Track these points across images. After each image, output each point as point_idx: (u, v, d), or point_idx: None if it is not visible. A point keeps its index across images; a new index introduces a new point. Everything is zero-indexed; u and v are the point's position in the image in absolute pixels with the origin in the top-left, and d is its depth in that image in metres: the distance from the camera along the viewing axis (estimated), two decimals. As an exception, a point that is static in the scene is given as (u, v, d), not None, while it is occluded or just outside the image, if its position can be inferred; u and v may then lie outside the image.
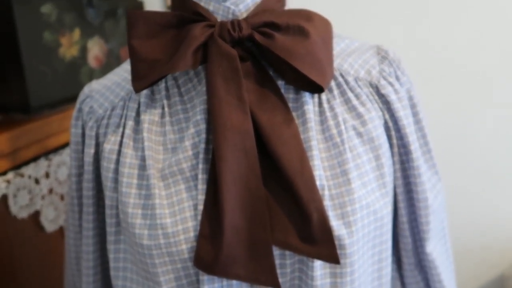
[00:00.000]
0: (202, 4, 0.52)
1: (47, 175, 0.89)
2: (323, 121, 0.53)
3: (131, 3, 1.30)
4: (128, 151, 0.54)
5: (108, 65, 1.18)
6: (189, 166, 0.51)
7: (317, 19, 0.53)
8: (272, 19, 0.51)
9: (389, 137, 0.57)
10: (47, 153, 0.92)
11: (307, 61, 0.50)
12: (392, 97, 0.56)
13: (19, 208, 0.82)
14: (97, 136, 0.58)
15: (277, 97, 0.52)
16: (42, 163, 0.88)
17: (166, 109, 0.54)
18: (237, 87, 0.49)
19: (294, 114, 0.53)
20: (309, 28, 0.51)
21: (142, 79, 0.51)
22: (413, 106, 0.60)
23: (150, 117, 0.54)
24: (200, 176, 0.50)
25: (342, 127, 0.53)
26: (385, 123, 0.57)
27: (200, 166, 0.50)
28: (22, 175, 0.83)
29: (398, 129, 0.57)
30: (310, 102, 0.53)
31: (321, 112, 0.54)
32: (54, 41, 0.98)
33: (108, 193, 0.55)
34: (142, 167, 0.53)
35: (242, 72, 0.51)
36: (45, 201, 0.88)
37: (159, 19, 0.51)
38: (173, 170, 0.51)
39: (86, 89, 0.61)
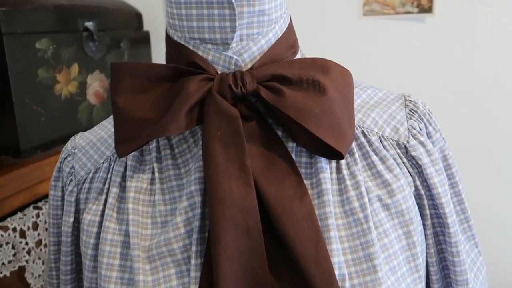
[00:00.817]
0: (200, 53, 0.44)
1: (35, 226, 0.81)
2: (342, 191, 0.45)
3: (136, 33, 1.24)
4: (111, 225, 0.46)
5: (110, 100, 1.12)
6: (181, 246, 0.43)
7: (334, 70, 0.45)
8: (281, 72, 0.43)
9: (420, 206, 0.48)
10: (36, 201, 0.84)
11: (323, 122, 0.42)
12: (425, 160, 0.47)
13: (1, 266, 0.74)
14: (77, 202, 0.50)
15: (287, 163, 0.43)
16: (30, 212, 0.80)
17: (156, 174, 0.46)
18: (239, 153, 0.41)
19: (307, 182, 0.45)
20: (326, 82, 0.43)
21: (127, 143, 0.43)
22: (447, 168, 0.51)
23: (137, 184, 0.46)
24: (193, 261, 0.42)
25: (366, 199, 0.44)
26: (416, 190, 0.48)
27: (194, 248, 0.42)
28: (6, 228, 0.75)
29: (431, 197, 0.48)
30: (326, 168, 0.45)
31: (340, 180, 0.45)
32: (50, 78, 0.92)
33: (86, 273, 0.47)
34: (126, 244, 0.45)
35: (246, 134, 0.42)
36: (32, 256, 0.80)
37: (148, 72, 0.43)
38: (162, 250, 0.43)
39: (69, 145, 0.53)
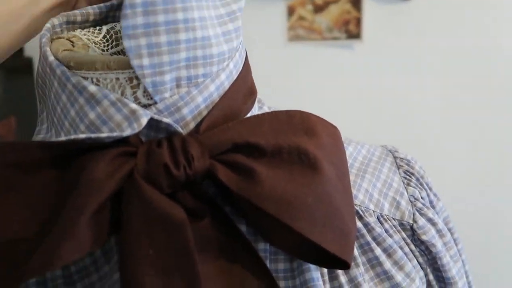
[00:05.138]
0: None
1: None
2: (342, 311, 0.30)
3: (14, 60, 1.00)
4: None
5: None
6: None
7: (321, 130, 0.30)
8: (247, 138, 0.27)
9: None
10: None
11: (319, 217, 0.27)
12: (438, 246, 0.35)
13: None
14: None
15: (260, 280, 0.27)
16: None
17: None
18: (189, 283, 0.24)
19: (291, 304, 0.29)
20: (316, 152, 0.28)
21: None
22: (456, 244, 0.39)
23: None
24: None
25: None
26: (429, 285, 0.35)
27: None
28: None
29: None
30: (317, 279, 0.29)
31: (337, 294, 0.30)
32: None
33: None
34: None
35: (196, 243, 0.26)
36: None
37: (17, 155, 0.24)
38: None
39: None
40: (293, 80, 1.11)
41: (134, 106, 0.25)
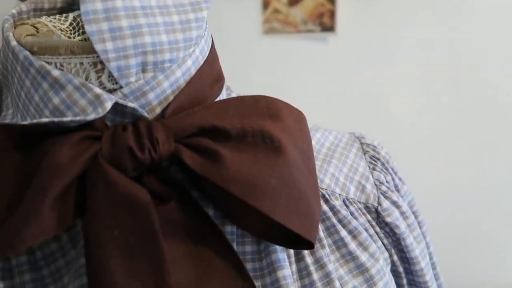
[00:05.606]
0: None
1: None
2: (308, 290, 0.30)
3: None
4: None
5: None
6: None
7: (286, 114, 0.30)
8: (212, 121, 0.27)
9: (398, 286, 0.37)
10: None
11: (283, 198, 0.27)
12: (402, 227, 0.36)
13: None
14: None
15: (229, 265, 0.28)
16: None
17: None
18: (154, 266, 0.24)
19: (258, 284, 0.30)
20: (280, 135, 0.28)
21: None
22: (420, 227, 0.40)
23: None
24: None
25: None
26: (393, 266, 0.36)
27: None
28: None
29: (412, 273, 0.37)
30: (284, 259, 0.30)
31: (304, 275, 0.31)
32: None
33: None
34: None
35: (161, 226, 0.26)
36: None
37: None
38: None
39: None
40: (269, 72, 1.12)
41: (98, 90, 0.26)
